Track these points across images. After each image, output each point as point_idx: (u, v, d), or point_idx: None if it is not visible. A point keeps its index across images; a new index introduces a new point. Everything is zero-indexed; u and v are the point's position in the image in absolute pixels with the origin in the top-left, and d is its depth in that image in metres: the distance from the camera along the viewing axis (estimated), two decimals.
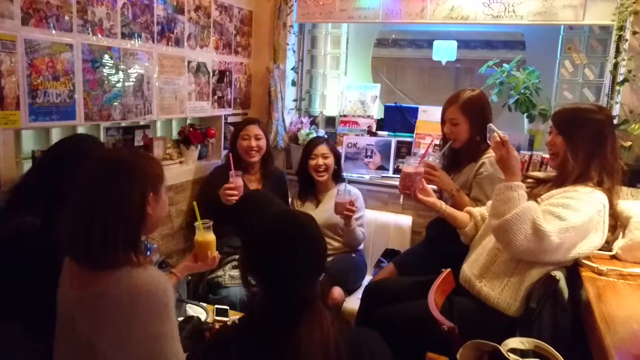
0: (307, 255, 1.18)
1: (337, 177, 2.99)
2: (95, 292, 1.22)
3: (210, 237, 1.83)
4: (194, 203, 1.91)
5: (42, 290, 1.42)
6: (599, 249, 1.88)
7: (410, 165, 2.20)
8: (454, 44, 3.46)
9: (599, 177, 1.79)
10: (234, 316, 2.04)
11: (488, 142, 1.94)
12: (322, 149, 2.89)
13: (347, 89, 3.65)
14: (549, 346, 1.48)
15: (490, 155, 2.26)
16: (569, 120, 1.87)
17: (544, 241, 1.65)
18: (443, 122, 2.43)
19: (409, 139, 3.37)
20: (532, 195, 1.88)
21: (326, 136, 3.34)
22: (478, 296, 1.80)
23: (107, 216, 1.24)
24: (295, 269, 1.16)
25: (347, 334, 1.18)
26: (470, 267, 1.93)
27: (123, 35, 2.41)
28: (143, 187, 1.29)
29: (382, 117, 3.61)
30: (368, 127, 3.51)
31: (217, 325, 1.88)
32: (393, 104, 3.55)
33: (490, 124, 1.95)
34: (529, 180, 2.02)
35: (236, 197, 2.51)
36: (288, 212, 1.32)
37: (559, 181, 1.85)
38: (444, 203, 2.14)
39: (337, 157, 2.97)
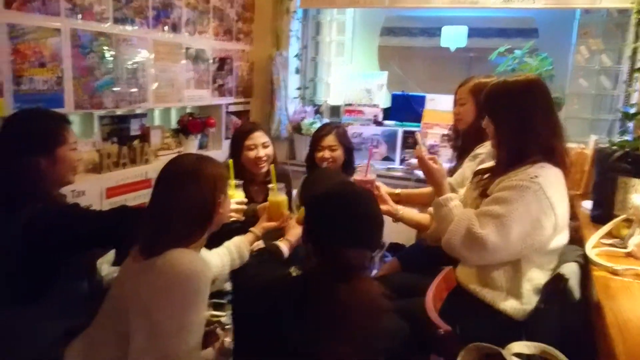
0: (349, 220, 1.28)
1: (348, 169, 2.66)
2: (147, 263, 1.33)
3: (282, 197, 1.95)
4: (230, 161, 2.02)
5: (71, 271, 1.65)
6: (612, 245, 1.76)
7: (360, 173, 2.14)
8: (464, 29, 3.31)
9: None
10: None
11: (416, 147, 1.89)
12: (330, 140, 2.61)
13: (352, 77, 3.53)
14: (556, 351, 1.38)
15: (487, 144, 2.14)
16: None
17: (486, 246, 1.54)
18: (455, 104, 2.36)
19: (416, 129, 3.26)
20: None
21: (337, 124, 2.93)
22: (483, 300, 1.68)
23: (186, 216, 1.38)
24: (342, 231, 1.27)
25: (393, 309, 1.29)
26: (466, 272, 1.79)
27: (115, 20, 2.32)
28: (215, 191, 1.43)
29: (389, 106, 3.49)
30: (374, 116, 3.39)
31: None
32: (400, 93, 3.43)
33: (417, 132, 1.93)
34: (480, 175, 1.82)
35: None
36: (347, 182, 1.49)
37: None
38: (400, 208, 2.04)
39: (347, 148, 2.65)
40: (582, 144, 2.78)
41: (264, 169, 2.35)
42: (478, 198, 1.70)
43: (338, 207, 1.31)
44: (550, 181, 1.57)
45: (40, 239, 1.56)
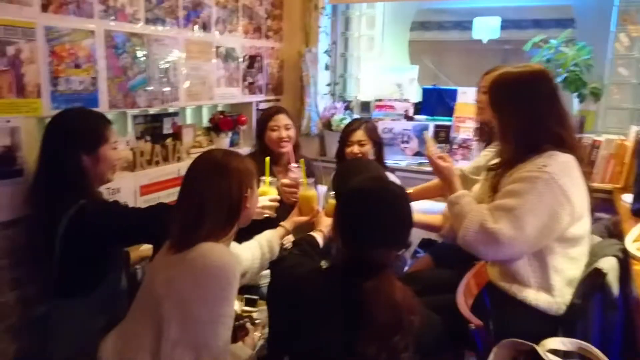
0: (381, 220, 1.26)
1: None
2: (178, 257, 1.37)
3: (313, 192, 2.02)
4: (267, 159, 2.11)
5: (112, 265, 1.73)
6: None
7: None
8: (497, 20, 3.23)
9: None
10: (262, 306, 2.00)
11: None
12: (359, 135, 2.62)
13: (382, 72, 3.50)
14: (594, 348, 1.34)
15: None
16: None
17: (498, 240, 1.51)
18: (477, 92, 2.34)
19: (447, 123, 3.20)
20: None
21: (366, 119, 3.00)
22: (514, 297, 1.63)
23: (214, 211, 1.42)
24: (369, 231, 1.26)
25: (420, 307, 1.28)
26: (494, 270, 1.75)
27: (147, 21, 2.36)
28: (241, 185, 1.46)
29: (420, 100, 3.44)
30: (405, 111, 3.36)
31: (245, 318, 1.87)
32: (431, 86, 3.38)
33: (425, 132, 1.96)
34: (493, 171, 1.76)
35: (297, 195, 2.22)
36: (380, 178, 1.45)
37: None
38: None
39: (376, 143, 2.66)
40: (623, 135, 2.68)
41: (285, 149, 2.54)
42: (492, 194, 1.67)
43: (368, 206, 1.29)
44: (560, 169, 1.52)
45: (84, 235, 1.62)
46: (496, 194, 1.62)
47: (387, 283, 1.23)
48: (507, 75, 1.67)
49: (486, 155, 2.16)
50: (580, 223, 1.59)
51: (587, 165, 1.64)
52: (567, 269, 1.58)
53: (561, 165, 1.53)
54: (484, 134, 2.39)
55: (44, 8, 1.91)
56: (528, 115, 1.60)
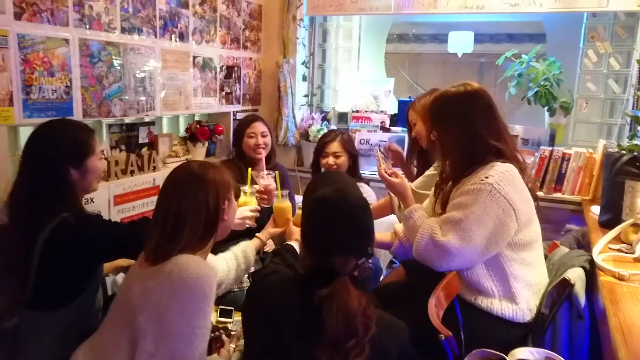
0: (337, 228, 1.29)
1: (353, 176, 2.61)
2: (154, 269, 1.36)
3: (287, 204, 2.03)
4: (249, 169, 2.16)
5: (90, 280, 1.68)
6: (620, 251, 1.74)
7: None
8: (471, 35, 3.31)
9: None
10: (237, 317, 1.99)
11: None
12: (334, 146, 2.68)
13: (359, 84, 3.54)
14: (561, 358, 1.36)
15: None
16: None
17: (450, 251, 1.56)
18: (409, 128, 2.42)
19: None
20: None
21: (341, 130, 3.02)
22: (480, 308, 1.66)
23: (191, 223, 1.41)
24: (327, 238, 1.29)
25: (378, 317, 1.26)
26: (460, 284, 1.78)
27: (123, 30, 2.35)
28: (218, 197, 1.46)
29: (397, 112, 3.48)
30: (381, 122, 3.39)
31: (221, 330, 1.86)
32: (407, 99, 3.42)
33: (377, 149, 2.09)
34: (439, 188, 1.82)
35: (266, 201, 2.20)
36: (341, 189, 1.41)
37: None
38: None
39: (351, 155, 2.73)
40: (591, 149, 2.76)
41: (261, 155, 2.63)
42: (442, 209, 1.73)
43: (325, 215, 1.32)
44: (502, 178, 1.58)
45: (63, 249, 1.58)
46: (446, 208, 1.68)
47: (342, 290, 1.24)
48: (444, 94, 1.76)
49: (430, 171, 2.22)
50: (529, 229, 1.65)
51: (525, 172, 1.71)
52: (526, 275, 1.62)
53: (502, 175, 1.59)
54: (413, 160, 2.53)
55: (17, 16, 1.89)
56: (465, 131, 1.67)
